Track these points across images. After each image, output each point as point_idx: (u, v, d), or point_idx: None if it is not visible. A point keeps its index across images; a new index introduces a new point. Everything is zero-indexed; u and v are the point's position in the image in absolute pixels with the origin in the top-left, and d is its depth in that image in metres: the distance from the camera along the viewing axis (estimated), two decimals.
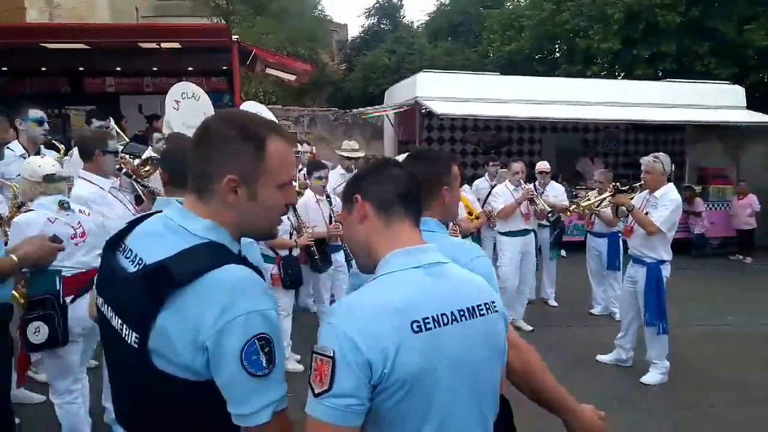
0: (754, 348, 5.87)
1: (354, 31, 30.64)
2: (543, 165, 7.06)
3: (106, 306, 1.26)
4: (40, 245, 2.16)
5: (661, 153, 4.72)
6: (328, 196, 5.01)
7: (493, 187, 6.81)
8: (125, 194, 3.79)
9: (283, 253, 4.69)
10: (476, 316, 1.31)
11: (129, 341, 1.15)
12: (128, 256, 1.25)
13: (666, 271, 4.59)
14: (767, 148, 14.27)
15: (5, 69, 11.26)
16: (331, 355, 1.16)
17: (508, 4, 22.18)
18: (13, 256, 2.11)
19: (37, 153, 4.24)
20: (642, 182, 4.71)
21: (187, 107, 6.37)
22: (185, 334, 1.11)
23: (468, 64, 19.50)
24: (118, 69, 11.69)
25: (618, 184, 4.95)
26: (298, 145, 7.22)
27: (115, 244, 1.31)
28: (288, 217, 4.61)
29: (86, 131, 4.69)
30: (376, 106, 12.84)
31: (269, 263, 4.45)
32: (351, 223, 1.44)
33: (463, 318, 1.28)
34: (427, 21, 27.26)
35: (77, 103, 11.12)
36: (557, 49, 16.21)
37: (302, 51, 22.05)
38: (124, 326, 1.17)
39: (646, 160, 4.64)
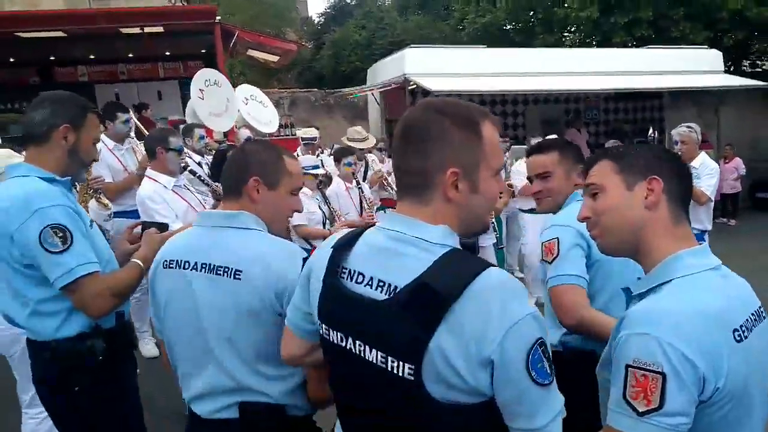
0: None
1: (315, 8, 30.01)
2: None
3: (349, 340, 1.13)
4: (154, 240, 1.97)
5: (692, 123, 4.71)
6: (358, 183, 4.86)
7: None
8: (197, 192, 3.60)
9: (318, 243, 4.55)
10: (761, 320, 1.25)
11: (399, 374, 1.04)
12: (361, 280, 1.13)
13: (707, 240, 4.63)
14: (742, 112, 14.66)
15: None
16: (661, 371, 1.07)
17: None
18: (138, 261, 1.93)
19: None
20: (679, 153, 4.69)
21: (211, 95, 6.11)
22: (465, 352, 1.01)
23: (441, 38, 19.31)
24: (92, 57, 11.15)
25: None
26: (314, 130, 6.98)
27: (332, 271, 1.18)
28: (320, 207, 4.46)
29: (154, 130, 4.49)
30: (362, 86, 12.58)
31: (305, 255, 4.31)
32: (627, 202, 1.32)
33: (755, 323, 1.22)
34: None
35: None
36: (533, 19, 16.12)
37: (269, 30, 21.49)
38: (389, 359, 1.05)
39: (680, 132, 4.63)
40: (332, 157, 5.81)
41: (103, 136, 4.48)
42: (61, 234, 1.76)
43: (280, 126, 8.86)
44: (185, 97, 12.06)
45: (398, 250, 1.10)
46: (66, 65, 11.47)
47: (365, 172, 5.59)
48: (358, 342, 1.11)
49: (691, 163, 4.62)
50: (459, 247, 1.11)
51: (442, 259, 1.06)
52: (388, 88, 11.44)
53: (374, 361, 1.08)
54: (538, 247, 5.74)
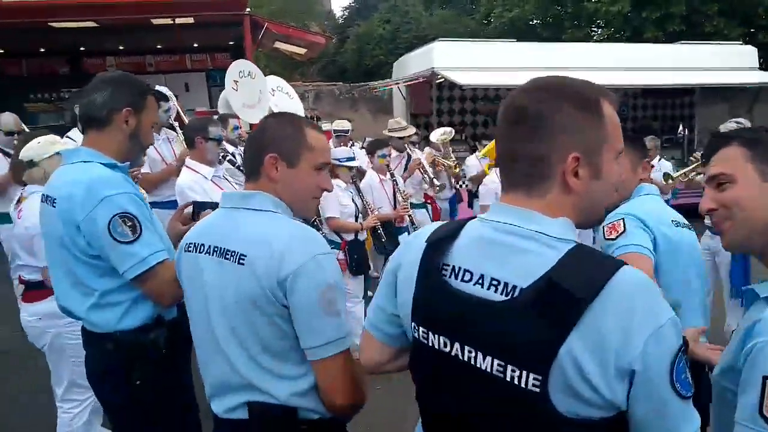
0: None
1: (339, 2, 29.99)
2: (650, 141, 6.58)
3: (456, 345, 1.02)
4: None
5: (741, 118, 4.56)
6: (392, 176, 4.79)
7: None
8: (235, 182, 3.56)
9: (349, 237, 4.49)
10: None
11: (520, 384, 0.93)
12: (469, 279, 1.02)
13: None
14: None
15: (1, 51, 10.74)
16: None
17: None
18: None
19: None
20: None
21: (245, 86, 6.08)
22: (601, 360, 0.90)
23: (467, 32, 19.13)
24: (120, 48, 11.22)
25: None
26: (346, 122, 6.91)
27: (431, 268, 1.08)
28: (353, 200, 4.40)
29: (193, 119, 4.48)
30: (388, 80, 12.50)
31: (335, 249, 4.25)
32: (763, 194, 1.22)
33: None
34: None
35: (78, 85, 10.68)
36: (562, 13, 15.89)
37: (292, 23, 21.47)
38: (509, 367, 0.94)
39: (728, 127, 4.48)
40: (364, 149, 5.74)
41: None
42: (130, 223, 1.70)
43: None
44: (212, 89, 12.15)
45: (514, 245, 1.00)
46: (95, 56, 11.56)
47: (407, 164, 5.49)
48: (467, 347, 1.00)
49: None
50: (580, 242, 1.00)
51: (569, 256, 0.96)
52: (416, 81, 11.35)
53: (488, 370, 0.96)
54: None
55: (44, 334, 2.83)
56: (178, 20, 8.70)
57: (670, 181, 4.76)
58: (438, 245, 1.10)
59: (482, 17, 20.12)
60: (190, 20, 8.81)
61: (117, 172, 1.80)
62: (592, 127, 1.02)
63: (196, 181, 3.32)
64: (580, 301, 0.90)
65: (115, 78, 1.88)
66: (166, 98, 4.68)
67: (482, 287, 1.00)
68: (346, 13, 27.15)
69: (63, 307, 1.84)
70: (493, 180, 4.96)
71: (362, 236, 4.61)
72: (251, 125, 6.79)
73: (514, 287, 0.96)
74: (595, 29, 14.88)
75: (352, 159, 4.35)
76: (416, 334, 1.10)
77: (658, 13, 13.91)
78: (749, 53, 12.55)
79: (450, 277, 1.05)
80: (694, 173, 4.63)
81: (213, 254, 1.44)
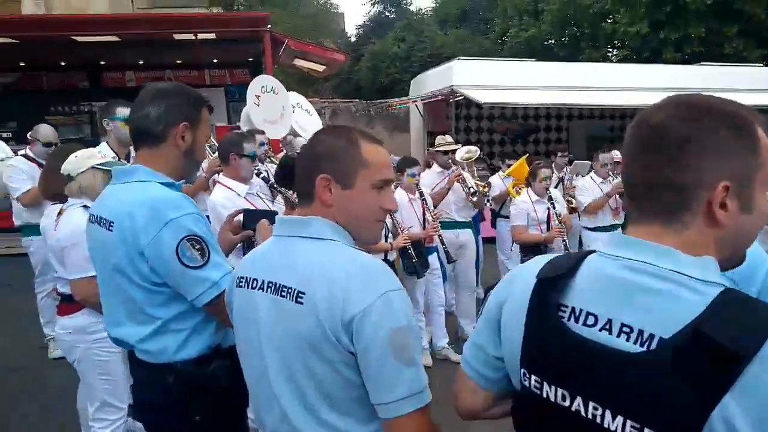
0: None
1: (352, 21, 30.30)
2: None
3: (577, 400, 0.90)
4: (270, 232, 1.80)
5: None
6: (421, 195, 4.69)
7: (561, 179, 6.53)
8: (267, 199, 3.47)
9: (378, 257, 4.38)
10: None
11: None
12: (593, 323, 0.90)
13: None
14: None
15: (22, 64, 10.80)
16: None
17: None
18: None
19: (128, 156, 3.90)
20: None
21: (267, 102, 6.05)
22: (763, 428, 0.78)
23: (482, 51, 19.15)
24: (140, 62, 11.26)
25: None
26: None
27: (545, 308, 0.96)
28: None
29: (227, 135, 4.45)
30: (406, 97, 12.48)
31: None
32: None
33: None
34: (434, 8, 26.84)
35: (97, 99, 10.71)
36: (579, 34, 15.87)
37: (308, 41, 21.62)
38: (646, 431, 0.83)
39: None
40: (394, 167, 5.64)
41: None
42: (198, 246, 1.58)
43: None
44: (230, 105, 12.18)
45: (648, 287, 0.87)
46: (114, 70, 11.61)
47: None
48: (592, 404, 0.88)
49: None
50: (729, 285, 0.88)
51: (719, 303, 0.83)
52: (435, 99, 11.32)
53: None
54: None
55: (74, 348, 2.74)
56: (200, 36, 8.70)
57: None
58: (553, 282, 0.98)
59: (497, 36, 20.16)
60: (212, 36, 8.81)
61: (175, 191, 1.68)
62: (745, 152, 0.89)
63: (229, 198, 3.23)
64: (738, 358, 0.77)
65: (170, 90, 1.74)
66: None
67: (610, 334, 0.88)
68: (361, 32, 27.35)
69: (115, 339, 1.72)
70: (524, 200, 4.85)
71: (392, 256, 4.51)
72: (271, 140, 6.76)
73: (652, 336, 0.84)
74: (611, 50, 14.83)
75: None
76: (527, 383, 0.98)
77: (677, 34, 13.86)
78: None
79: (569, 320, 0.93)
80: None
81: (268, 290, 1.28)
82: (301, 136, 6.11)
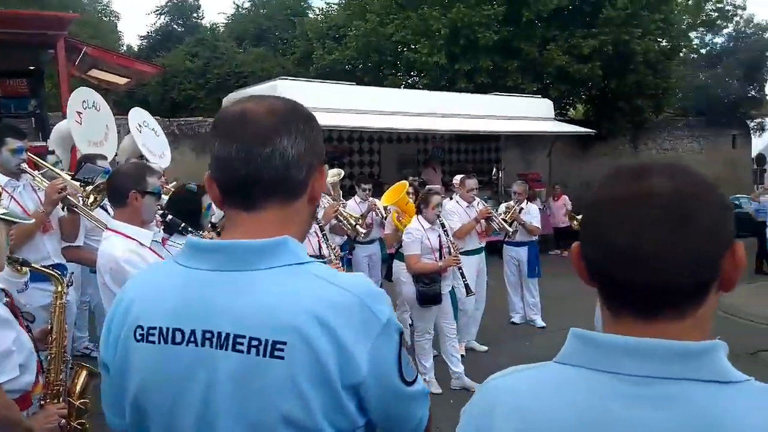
0: None
1: (134, 31, 27.84)
2: (519, 186, 6.91)
3: None
4: None
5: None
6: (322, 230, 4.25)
7: None
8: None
9: None
10: None
11: None
12: None
13: None
14: (566, 154, 16.64)
15: None
16: None
17: (318, 14, 22.10)
18: None
19: None
20: None
21: (90, 120, 4.95)
22: None
23: (284, 72, 18.93)
24: None
25: None
26: None
27: None
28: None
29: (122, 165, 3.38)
30: None
31: None
32: None
33: None
34: (227, 24, 25.82)
35: None
36: (381, 60, 16.55)
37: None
38: None
39: None
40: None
41: None
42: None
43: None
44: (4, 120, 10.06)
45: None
46: None
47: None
48: None
49: None
50: None
51: None
52: None
53: None
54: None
55: None
56: None
57: (574, 223, 4.99)
58: None
59: (299, 58, 20.09)
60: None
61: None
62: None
63: (132, 251, 2.47)
64: None
65: (298, 112, 1.15)
66: (20, 135, 3.59)
67: None
68: (145, 43, 25.07)
69: None
70: (417, 228, 4.70)
71: None
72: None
73: None
74: (414, 77, 15.73)
75: None
76: None
77: (469, 66, 15.20)
78: (547, 105, 14.34)
79: None
80: None
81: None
82: (148, 160, 5.17)
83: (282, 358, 0.94)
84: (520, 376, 0.90)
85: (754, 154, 23.23)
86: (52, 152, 5.46)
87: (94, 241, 3.98)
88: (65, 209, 3.35)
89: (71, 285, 1.93)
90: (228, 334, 0.96)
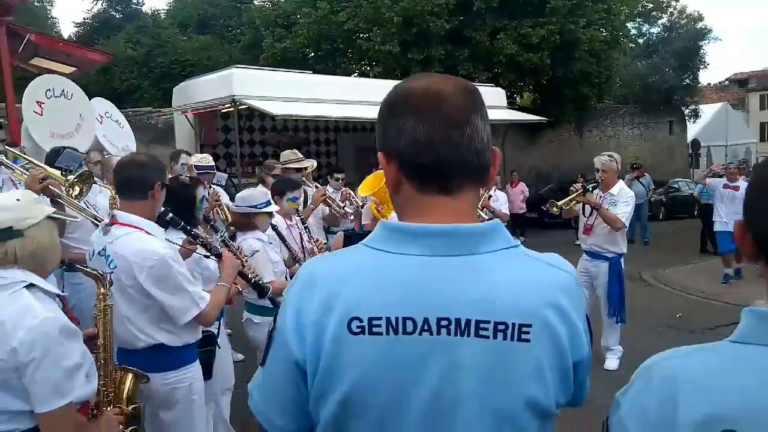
0: None
1: (68, 19, 26.46)
2: None
3: None
4: None
5: (614, 152, 5.10)
6: (303, 221, 4.17)
7: None
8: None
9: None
10: None
11: None
12: None
13: (624, 262, 5.00)
14: (520, 141, 17.03)
15: None
16: None
17: (265, 1, 21.58)
18: None
19: None
20: (598, 180, 5.00)
21: (55, 110, 4.65)
22: None
23: (231, 60, 18.49)
24: None
25: (585, 183, 5.16)
26: (209, 156, 5.75)
27: None
28: (277, 251, 3.71)
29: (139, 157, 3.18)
30: (178, 106, 11.30)
31: (267, 316, 3.48)
32: None
33: None
34: (168, 10, 24.90)
35: None
36: (334, 49, 16.37)
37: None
38: None
39: (601, 160, 4.96)
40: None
41: None
42: None
43: None
44: None
45: None
46: None
47: (305, 201, 4.84)
48: None
49: (609, 190, 4.99)
50: None
51: None
52: (213, 110, 10.47)
53: None
54: None
55: None
56: None
57: (555, 209, 5.09)
58: None
59: (246, 46, 19.63)
60: None
61: None
62: None
63: (171, 246, 2.37)
64: None
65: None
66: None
67: None
68: (81, 30, 23.88)
69: None
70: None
71: None
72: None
73: None
74: (367, 66, 15.65)
75: (270, 203, 3.68)
76: None
77: (422, 55, 15.27)
78: (499, 94, 14.55)
79: None
80: (574, 202, 5.02)
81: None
82: (110, 153, 4.94)
83: (528, 341, 0.93)
84: (695, 357, 0.88)
85: (689, 139, 24.41)
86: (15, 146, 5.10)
87: (69, 239, 3.80)
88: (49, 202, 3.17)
89: (112, 285, 1.81)
90: (469, 320, 0.92)
